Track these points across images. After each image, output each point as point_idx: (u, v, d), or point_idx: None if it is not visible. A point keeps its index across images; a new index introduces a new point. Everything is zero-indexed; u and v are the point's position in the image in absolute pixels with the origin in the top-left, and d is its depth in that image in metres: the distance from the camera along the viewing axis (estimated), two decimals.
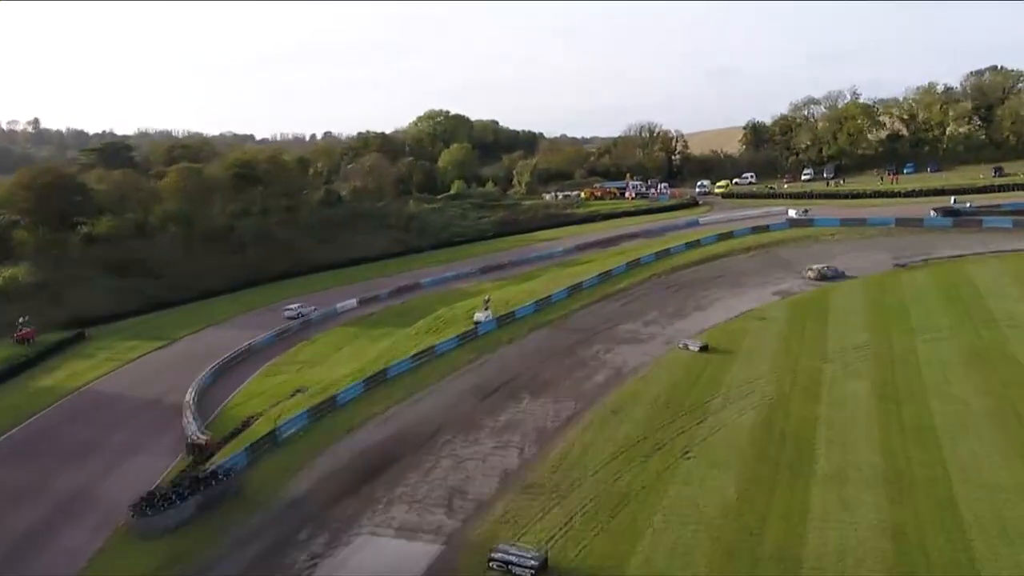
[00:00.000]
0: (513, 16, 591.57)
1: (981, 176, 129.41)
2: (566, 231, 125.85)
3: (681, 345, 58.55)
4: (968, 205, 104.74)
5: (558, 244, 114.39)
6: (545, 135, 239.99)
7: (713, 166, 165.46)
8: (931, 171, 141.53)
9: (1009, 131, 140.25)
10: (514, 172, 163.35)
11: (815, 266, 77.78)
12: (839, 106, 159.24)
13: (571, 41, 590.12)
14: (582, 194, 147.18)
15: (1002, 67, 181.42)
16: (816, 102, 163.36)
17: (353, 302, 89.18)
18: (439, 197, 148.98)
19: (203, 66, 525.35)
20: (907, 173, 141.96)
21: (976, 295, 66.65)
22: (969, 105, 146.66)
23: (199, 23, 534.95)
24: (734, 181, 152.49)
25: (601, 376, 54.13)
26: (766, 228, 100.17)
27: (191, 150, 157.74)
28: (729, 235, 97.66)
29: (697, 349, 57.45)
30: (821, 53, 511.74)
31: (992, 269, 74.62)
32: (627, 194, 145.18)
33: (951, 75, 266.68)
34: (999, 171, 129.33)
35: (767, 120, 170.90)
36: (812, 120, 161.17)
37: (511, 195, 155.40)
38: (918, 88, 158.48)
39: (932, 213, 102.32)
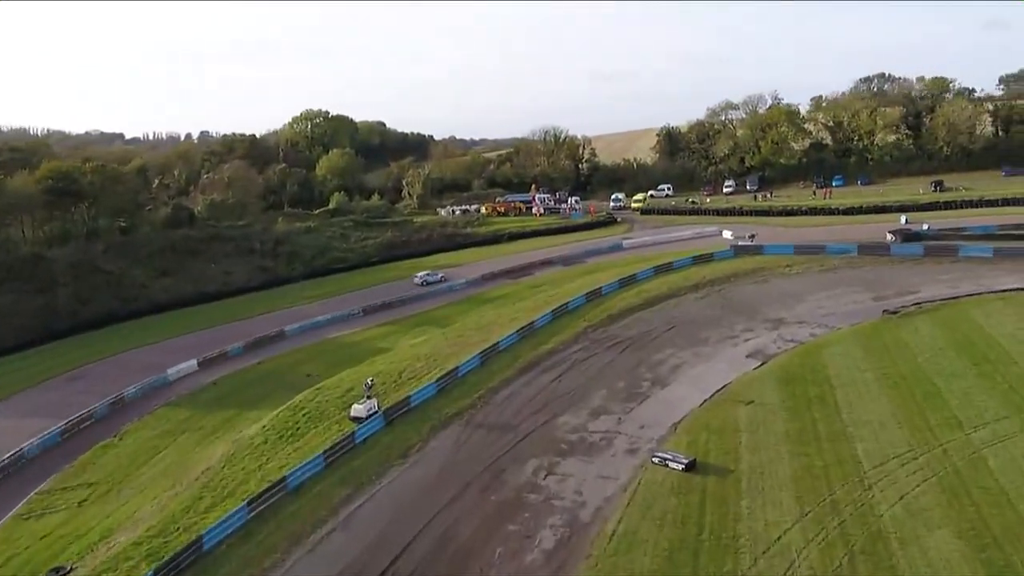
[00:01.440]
0: (400, 14, 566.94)
1: (921, 191, 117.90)
2: (467, 255, 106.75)
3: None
4: (927, 227, 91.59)
5: (459, 273, 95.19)
6: (435, 137, 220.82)
7: (625, 176, 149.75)
8: (861, 184, 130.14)
9: (943, 141, 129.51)
10: (404, 182, 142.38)
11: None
12: (760, 111, 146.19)
13: (460, 40, 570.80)
14: (483, 209, 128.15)
15: (889, 74, 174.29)
16: (735, 107, 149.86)
17: (192, 364, 67.42)
18: (316, 212, 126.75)
19: (76, 62, 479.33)
20: (836, 186, 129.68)
21: (1006, 358, 51.27)
22: (899, 112, 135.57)
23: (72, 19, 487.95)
24: (650, 193, 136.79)
25: (548, 536, 34.47)
26: (709, 258, 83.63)
27: (21, 153, 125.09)
28: (668, 267, 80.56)
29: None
30: (703, 56, 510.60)
31: (1004, 316, 59.95)
32: (535, 209, 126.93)
33: (841, 82, 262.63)
34: (939, 185, 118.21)
35: (682, 125, 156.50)
36: (731, 126, 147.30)
37: (400, 209, 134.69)
38: (844, 93, 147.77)
39: (890, 237, 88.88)
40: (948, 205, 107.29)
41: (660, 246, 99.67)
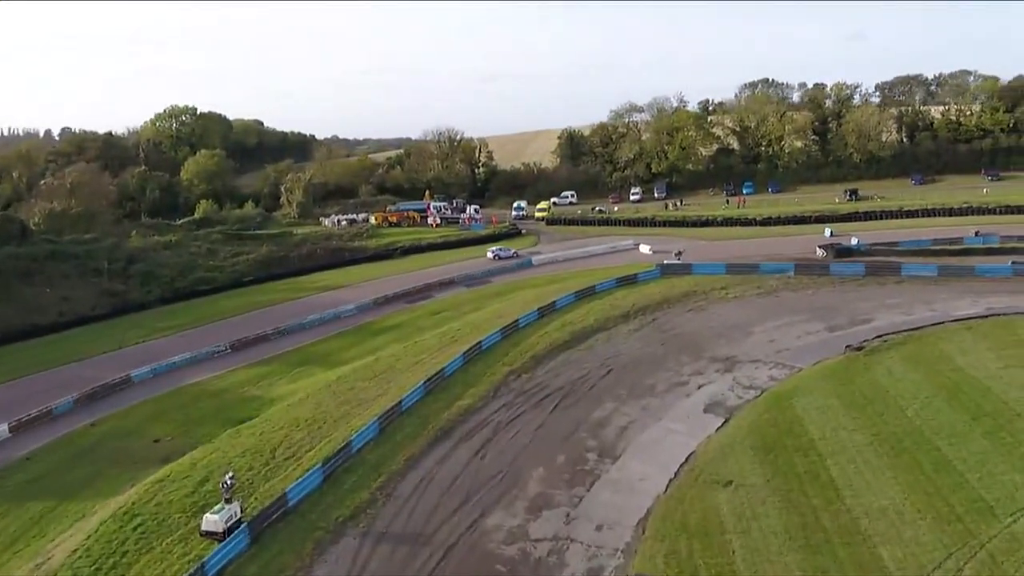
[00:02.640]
0: (271, 14, 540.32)
1: (837, 200, 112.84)
2: (356, 273, 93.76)
3: None
4: (856, 242, 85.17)
5: (347, 296, 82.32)
6: (318, 137, 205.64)
7: (526, 182, 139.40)
8: (772, 191, 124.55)
9: (853, 148, 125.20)
10: (282, 187, 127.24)
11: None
12: (667, 114, 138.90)
13: (326, 40, 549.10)
14: (373, 218, 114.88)
15: (773, 80, 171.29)
16: (639, 109, 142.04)
17: (3, 429, 52.31)
18: (179, 223, 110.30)
19: None
20: (747, 194, 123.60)
21: (1007, 410, 43.46)
22: (809, 117, 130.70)
23: None
24: (553, 201, 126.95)
25: None
26: (635, 279, 74.03)
27: None
28: (591, 292, 70.38)
29: None
30: (588, 58, 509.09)
31: (980, 353, 52.67)
32: (430, 219, 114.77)
33: (727, 87, 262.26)
34: (854, 194, 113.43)
35: (584, 127, 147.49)
36: (636, 130, 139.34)
37: (278, 219, 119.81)
38: (748, 95, 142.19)
39: (820, 252, 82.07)
40: (869, 216, 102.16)
41: (573, 263, 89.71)
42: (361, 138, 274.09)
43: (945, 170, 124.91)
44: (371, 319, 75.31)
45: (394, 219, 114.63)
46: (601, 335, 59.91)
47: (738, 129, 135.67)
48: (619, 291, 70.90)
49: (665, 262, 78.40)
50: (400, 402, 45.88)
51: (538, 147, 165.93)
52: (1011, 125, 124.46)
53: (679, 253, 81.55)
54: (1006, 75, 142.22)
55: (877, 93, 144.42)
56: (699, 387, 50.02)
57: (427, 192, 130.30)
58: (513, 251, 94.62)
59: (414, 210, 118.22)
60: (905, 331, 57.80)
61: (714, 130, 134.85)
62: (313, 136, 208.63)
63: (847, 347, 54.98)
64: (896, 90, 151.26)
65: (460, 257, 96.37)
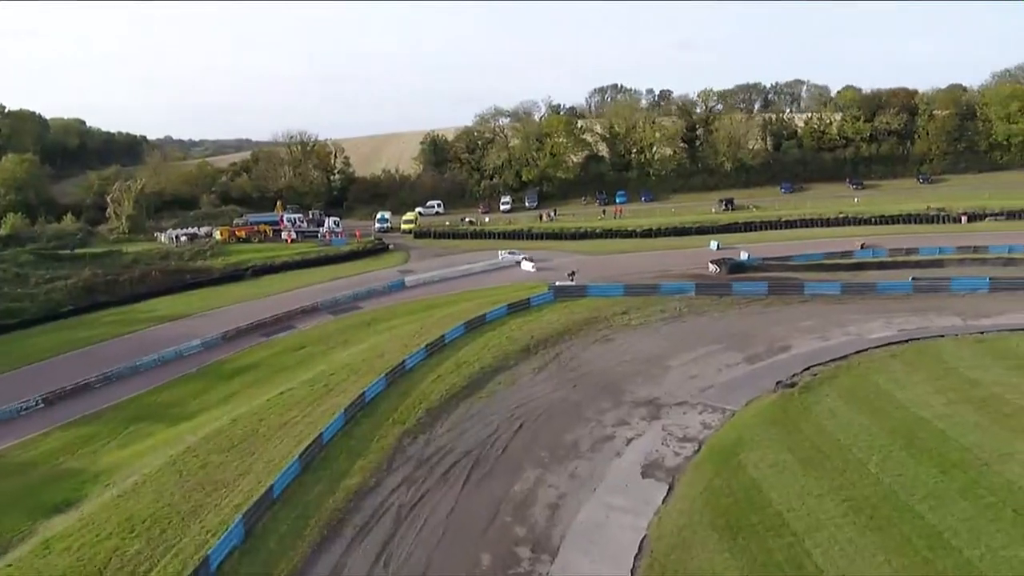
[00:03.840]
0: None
1: (714, 209, 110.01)
2: (200, 299, 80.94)
3: None
4: (748, 256, 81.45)
5: (191, 329, 70.09)
6: (149, 138, 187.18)
7: (388, 190, 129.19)
8: (645, 201, 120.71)
9: (724, 156, 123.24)
10: (108, 198, 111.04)
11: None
12: (535, 119, 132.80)
13: (156, 34, 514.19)
14: (217, 234, 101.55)
15: (622, 85, 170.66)
16: (505, 113, 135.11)
17: None
18: None
19: None
20: (620, 203, 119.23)
21: (972, 459, 39.04)
22: (680, 124, 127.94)
23: None
24: (418, 211, 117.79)
25: None
26: (527, 304, 66.43)
27: None
28: (481, 322, 62.06)
29: None
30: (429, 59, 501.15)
31: (918, 387, 48.82)
32: (284, 234, 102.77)
33: (578, 92, 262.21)
34: (729, 203, 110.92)
35: (448, 131, 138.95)
36: (504, 136, 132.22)
37: (104, 235, 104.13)
38: (609, 101, 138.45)
39: (713, 268, 77.77)
40: (749, 226, 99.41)
41: (452, 283, 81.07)
42: (197, 139, 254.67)
43: (811, 178, 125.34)
44: (221, 357, 63.73)
45: (242, 234, 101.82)
46: (502, 377, 51.66)
47: (608, 136, 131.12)
48: (513, 320, 62.99)
49: (558, 284, 71.19)
50: (270, 487, 35.71)
51: (394, 151, 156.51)
52: (871, 135, 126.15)
53: (572, 274, 74.61)
54: (834, 84, 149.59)
55: (756, 102, 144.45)
56: (628, 441, 42.73)
57: (279, 203, 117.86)
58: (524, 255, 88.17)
59: (265, 223, 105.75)
60: (831, 361, 53.23)
61: (584, 136, 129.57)
62: (144, 137, 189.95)
63: (778, 383, 49.51)
64: (736, 98, 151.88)
65: (321, 278, 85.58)
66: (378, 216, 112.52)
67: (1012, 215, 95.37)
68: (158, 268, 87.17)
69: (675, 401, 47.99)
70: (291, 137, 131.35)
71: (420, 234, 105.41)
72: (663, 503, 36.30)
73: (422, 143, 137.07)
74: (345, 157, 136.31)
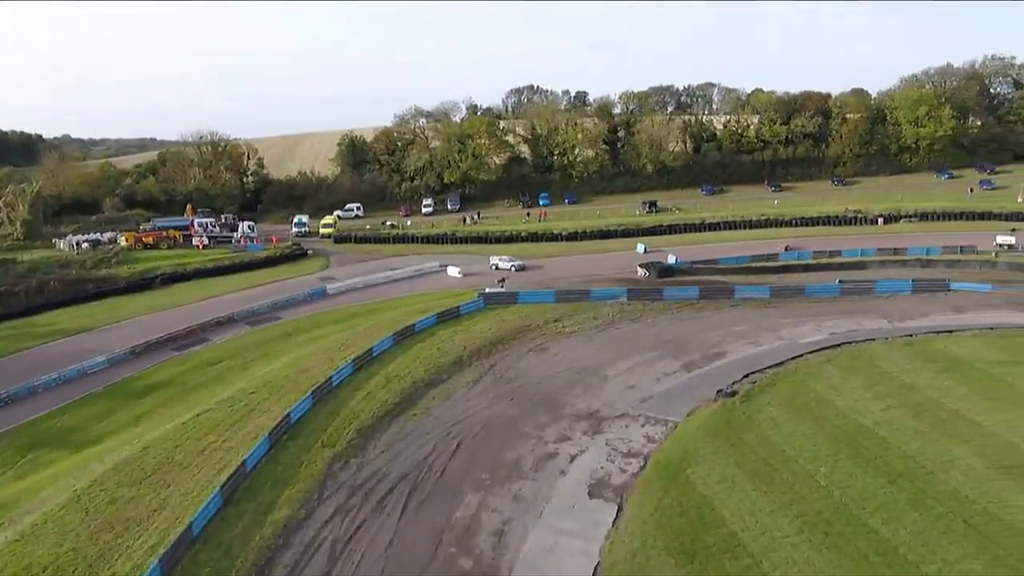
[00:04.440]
0: None
1: (638, 212, 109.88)
2: (105, 310, 75.74)
3: None
4: (676, 260, 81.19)
5: (95, 343, 65.37)
6: (45, 137, 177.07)
7: (304, 193, 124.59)
8: (569, 203, 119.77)
9: (647, 158, 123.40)
10: (1, 202, 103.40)
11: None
12: (455, 120, 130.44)
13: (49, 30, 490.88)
14: (123, 240, 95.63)
15: (538, 86, 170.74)
16: (426, 114, 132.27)
17: None
18: None
19: None
20: (544, 205, 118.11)
21: (917, 468, 39.17)
22: (603, 126, 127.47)
23: None
24: (337, 214, 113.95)
25: None
26: (456, 313, 64.14)
27: None
28: (411, 332, 59.47)
29: None
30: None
31: (854, 392, 49.21)
32: (195, 240, 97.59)
33: (494, 93, 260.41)
34: (652, 206, 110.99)
35: (367, 132, 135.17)
36: (424, 137, 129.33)
37: None
38: (531, 101, 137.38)
39: (642, 272, 77.15)
40: (673, 228, 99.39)
41: (376, 290, 78.12)
42: (98, 138, 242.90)
43: (731, 180, 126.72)
44: (130, 374, 59.46)
45: (150, 240, 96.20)
46: (436, 392, 49.27)
47: (530, 137, 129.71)
48: (442, 329, 60.59)
49: (488, 291, 69.08)
50: (189, 524, 32.50)
51: (308, 151, 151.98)
52: (787, 138, 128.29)
53: (502, 280, 72.62)
54: (745, 87, 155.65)
55: (670, 105, 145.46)
56: (572, 458, 40.99)
57: (189, 206, 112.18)
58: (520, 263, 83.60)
59: (175, 228, 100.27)
60: (768, 368, 52.88)
61: (506, 138, 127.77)
62: (40, 136, 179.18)
63: (718, 392, 48.67)
64: (652, 100, 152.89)
65: (237, 286, 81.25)
66: (295, 220, 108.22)
67: (925, 216, 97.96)
68: (57, 277, 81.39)
69: (616, 413, 46.55)
70: (200, 137, 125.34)
71: (340, 238, 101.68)
72: (613, 525, 34.65)
73: (339, 144, 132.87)
74: (259, 158, 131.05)
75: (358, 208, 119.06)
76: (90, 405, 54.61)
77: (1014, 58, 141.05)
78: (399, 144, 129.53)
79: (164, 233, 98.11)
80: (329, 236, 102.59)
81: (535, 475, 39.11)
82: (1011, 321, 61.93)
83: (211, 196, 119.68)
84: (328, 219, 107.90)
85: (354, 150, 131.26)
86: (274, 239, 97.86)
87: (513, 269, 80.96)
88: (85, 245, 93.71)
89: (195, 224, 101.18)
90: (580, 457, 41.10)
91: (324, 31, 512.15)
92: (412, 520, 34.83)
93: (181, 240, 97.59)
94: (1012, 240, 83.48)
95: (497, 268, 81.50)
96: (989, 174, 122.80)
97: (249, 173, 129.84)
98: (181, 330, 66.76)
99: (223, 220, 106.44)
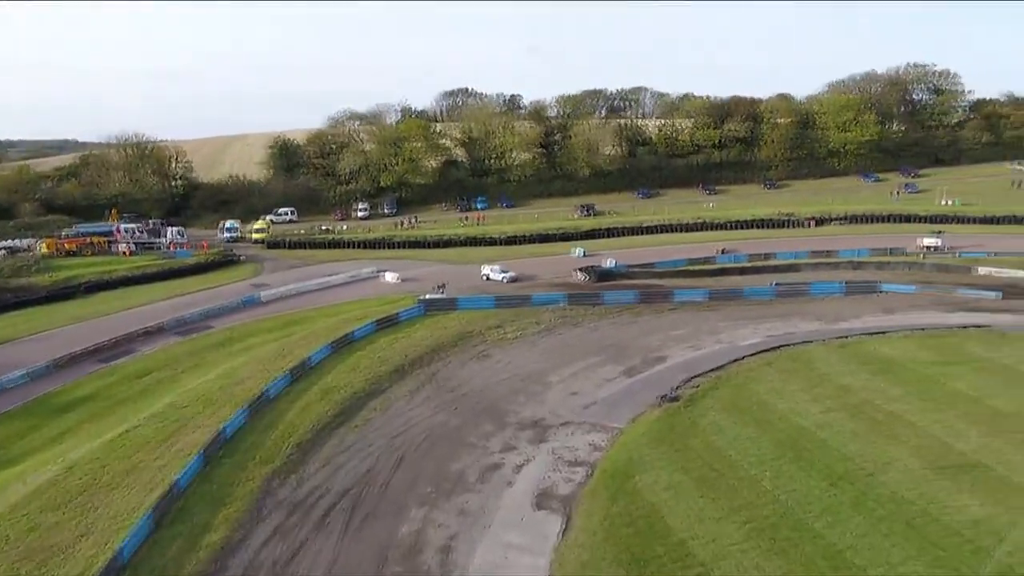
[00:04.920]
0: None
1: (575, 215, 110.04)
2: (24, 321, 71.89)
3: None
4: (613, 263, 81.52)
5: (13, 356, 61.82)
6: None
7: (234, 197, 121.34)
8: (505, 207, 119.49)
9: (583, 161, 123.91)
10: None
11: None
12: (389, 123, 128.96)
13: None
14: (43, 246, 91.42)
15: (472, 89, 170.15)
16: (359, 117, 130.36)
17: None
18: None
19: None
20: (480, 209, 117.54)
21: (857, 469, 39.82)
22: (539, 130, 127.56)
23: None
24: (269, 219, 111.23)
25: None
26: (395, 320, 62.98)
27: None
28: (348, 340, 58.14)
29: None
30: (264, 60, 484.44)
31: (794, 394, 49.93)
32: (121, 246, 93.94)
33: (426, 97, 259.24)
34: (589, 209, 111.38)
35: (298, 135, 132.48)
36: (358, 140, 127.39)
37: None
38: (465, 104, 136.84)
39: (581, 276, 77.21)
40: (611, 232, 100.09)
41: (311, 297, 76.25)
42: (15, 139, 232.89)
43: (666, 184, 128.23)
44: (51, 389, 56.40)
45: (72, 246, 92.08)
46: (376, 402, 48.10)
47: (465, 141, 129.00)
48: (382, 337, 59.39)
49: (427, 296, 68.08)
50: (119, 551, 30.77)
51: (237, 154, 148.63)
52: (720, 141, 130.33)
53: (442, 286, 71.61)
54: (674, 91, 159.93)
55: (602, 108, 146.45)
56: (517, 468, 40.32)
57: (112, 211, 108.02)
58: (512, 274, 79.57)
59: (98, 234, 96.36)
60: (710, 371, 53.23)
61: (442, 141, 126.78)
62: None
63: (661, 398, 48.71)
64: (586, 103, 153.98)
65: (165, 294, 78.39)
66: (225, 225, 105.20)
67: (853, 219, 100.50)
68: None
69: (560, 421, 46.11)
70: (124, 139, 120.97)
71: (272, 244, 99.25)
72: (562, 538, 34.05)
73: (270, 147, 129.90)
74: (187, 161, 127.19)
75: (291, 212, 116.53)
76: (8, 423, 51.57)
77: (934, 65, 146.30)
78: (332, 147, 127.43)
79: (87, 239, 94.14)
80: (261, 241, 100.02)
81: (481, 487, 38.32)
82: (939, 321, 63.82)
83: (136, 201, 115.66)
84: (260, 224, 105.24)
85: (286, 153, 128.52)
86: (204, 245, 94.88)
87: (505, 280, 77.88)
88: (1, 252, 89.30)
89: (120, 230, 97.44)
90: (526, 467, 40.46)
91: (253, 31, 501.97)
92: (355, 538, 33.66)
93: (105, 247, 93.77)
94: (937, 242, 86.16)
95: (488, 279, 78.51)
96: (912, 177, 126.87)
97: (176, 176, 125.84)
98: (107, 341, 63.88)
99: (149, 225, 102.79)
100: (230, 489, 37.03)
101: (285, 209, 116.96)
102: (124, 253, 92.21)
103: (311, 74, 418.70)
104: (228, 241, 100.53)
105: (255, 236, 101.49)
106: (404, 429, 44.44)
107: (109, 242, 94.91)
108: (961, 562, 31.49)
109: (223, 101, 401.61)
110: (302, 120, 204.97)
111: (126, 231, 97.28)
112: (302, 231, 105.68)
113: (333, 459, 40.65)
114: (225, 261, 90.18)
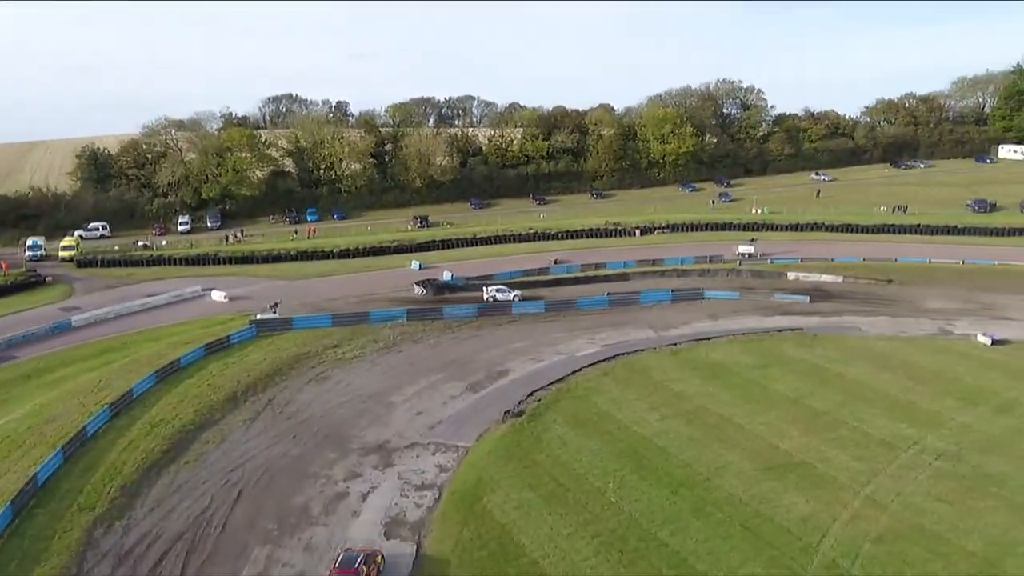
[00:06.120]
0: None
1: (410, 227, 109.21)
2: None
3: None
4: (451, 276, 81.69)
5: None
6: None
7: (38, 211, 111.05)
8: (337, 219, 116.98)
9: (416, 172, 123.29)
10: None
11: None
12: (211, 131, 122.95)
13: None
14: None
15: (297, 95, 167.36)
16: (179, 125, 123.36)
17: None
18: None
19: None
20: (312, 221, 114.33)
21: (691, 473, 41.69)
22: (371, 140, 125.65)
23: None
24: (79, 235, 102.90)
25: None
26: (226, 343, 59.88)
27: None
28: (175, 367, 54.60)
29: None
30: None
31: (633, 404, 51.95)
32: None
33: (248, 102, 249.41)
34: (424, 221, 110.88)
35: (110, 143, 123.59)
36: (178, 149, 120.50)
37: None
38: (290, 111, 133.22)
39: (419, 290, 77.05)
40: (446, 243, 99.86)
41: (131, 320, 70.85)
42: None
43: (498, 194, 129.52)
44: None
45: None
46: (209, 435, 45.40)
47: (294, 150, 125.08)
48: (212, 362, 56.27)
49: (259, 316, 65.21)
50: None
51: (38, 162, 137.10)
52: (549, 152, 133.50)
53: (275, 305, 68.72)
54: (501, 100, 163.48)
55: (432, 117, 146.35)
56: (363, 497, 39.29)
57: None
58: (515, 293, 75.21)
59: None
60: (551, 384, 54.28)
61: (269, 151, 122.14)
62: None
63: (505, 413, 49.16)
64: (416, 112, 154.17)
65: None
66: (28, 242, 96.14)
67: (675, 228, 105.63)
68: None
69: (406, 443, 45.40)
70: None
71: (84, 262, 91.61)
72: (414, 567, 33.39)
73: (78, 156, 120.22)
74: None
75: (104, 227, 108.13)
76: None
77: (741, 82, 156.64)
78: (148, 157, 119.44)
79: None
80: (71, 260, 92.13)
81: (327, 519, 36.96)
82: (757, 325, 68.17)
83: None
84: (69, 240, 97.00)
85: (96, 163, 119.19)
86: (3, 265, 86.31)
87: (516, 299, 74.03)
88: None
89: None
90: (372, 495, 39.45)
91: (51, 28, 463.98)
92: None
93: None
94: (751, 249, 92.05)
95: (495, 301, 73.95)
96: (726, 187, 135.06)
97: None
98: None
99: None
100: (46, 543, 33.67)
101: (97, 224, 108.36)
102: None
103: (116, 73, 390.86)
104: (32, 260, 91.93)
105: (63, 254, 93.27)
106: (241, 462, 42.21)
107: None
108: (792, 559, 33.60)
109: (19, 104, 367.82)
110: (111, 125, 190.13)
111: None
112: (117, 247, 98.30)
113: (164, 500, 37.93)
114: (29, 282, 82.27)
